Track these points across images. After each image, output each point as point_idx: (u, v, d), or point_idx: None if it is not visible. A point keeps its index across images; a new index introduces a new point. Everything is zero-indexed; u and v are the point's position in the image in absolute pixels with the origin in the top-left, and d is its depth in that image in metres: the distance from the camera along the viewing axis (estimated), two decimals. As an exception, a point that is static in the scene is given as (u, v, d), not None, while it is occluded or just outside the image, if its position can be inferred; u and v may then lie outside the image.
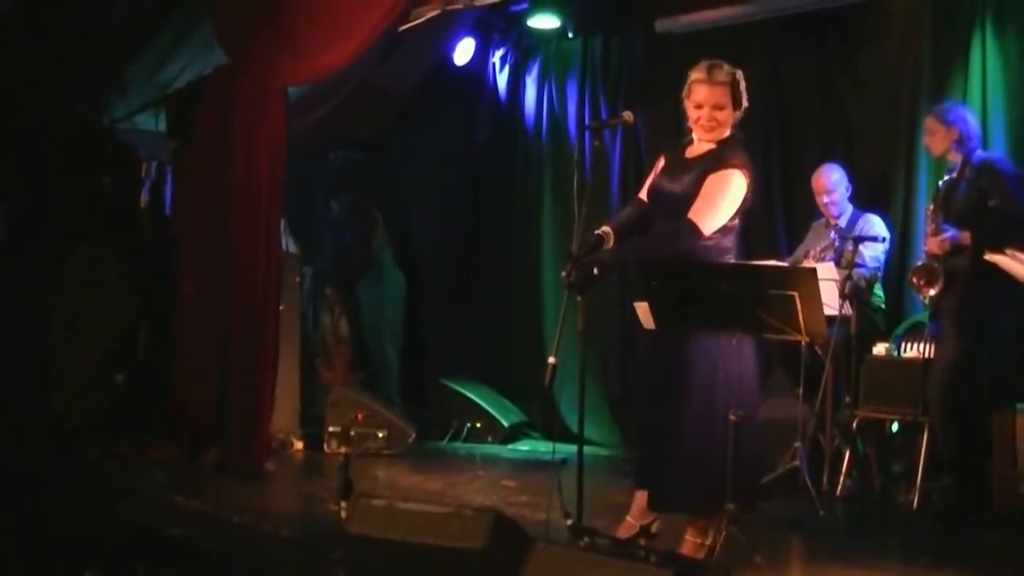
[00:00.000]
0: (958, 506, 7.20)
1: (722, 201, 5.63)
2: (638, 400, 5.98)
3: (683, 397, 5.62)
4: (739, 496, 5.48)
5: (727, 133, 5.80)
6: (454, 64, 10.44)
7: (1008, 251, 6.05)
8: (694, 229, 5.57)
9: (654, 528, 5.93)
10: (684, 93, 5.85)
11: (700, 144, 5.83)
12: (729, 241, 5.76)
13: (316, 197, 11.08)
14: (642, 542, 5.85)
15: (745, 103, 5.80)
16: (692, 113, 5.81)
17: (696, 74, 5.78)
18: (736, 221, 5.74)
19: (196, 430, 8.37)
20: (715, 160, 5.69)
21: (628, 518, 5.97)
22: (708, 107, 5.75)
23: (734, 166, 5.65)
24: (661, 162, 6.02)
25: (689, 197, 5.64)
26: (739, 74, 5.78)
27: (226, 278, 8.34)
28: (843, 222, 8.27)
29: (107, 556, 5.65)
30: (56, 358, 8.56)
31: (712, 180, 5.63)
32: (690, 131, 5.88)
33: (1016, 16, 8.19)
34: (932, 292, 7.31)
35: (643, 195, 6.04)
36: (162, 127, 9.17)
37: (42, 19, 8.33)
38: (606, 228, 5.79)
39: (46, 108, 8.52)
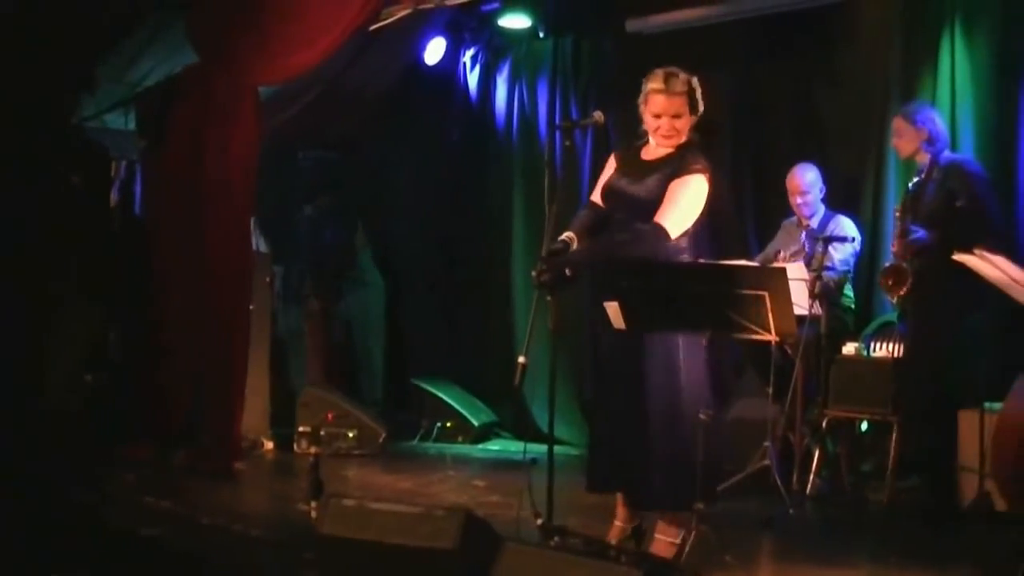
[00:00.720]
0: (927, 505, 7.24)
1: (688, 205, 5.66)
2: (599, 401, 5.96)
3: (649, 396, 5.64)
4: (705, 494, 5.51)
5: (686, 138, 5.82)
6: (425, 64, 10.43)
7: (976, 251, 6.07)
8: (663, 233, 5.59)
9: (644, 528, 5.94)
10: (640, 100, 5.85)
11: (658, 148, 5.86)
12: (684, 242, 5.78)
13: (288, 197, 11.06)
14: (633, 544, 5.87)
15: (702, 107, 5.83)
16: (650, 122, 5.82)
17: (653, 84, 5.78)
18: (696, 224, 5.77)
19: (168, 431, 8.35)
20: (680, 164, 5.71)
21: (616, 522, 5.97)
22: (667, 117, 5.77)
23: (698, 171, 5.68)
24: (613, 162, 6.04)
25: (654, 201, 5.66)
26: (695, 81, 5.80)
27: (197, 278, 8.32)
28: (815, 223, 8.30)
29: (78, 557, 5.63)
30: (26, 358, 8.51)
31: (678, 184, 5.66)
32: (646, 133, 5.90)
33: (985, 17, 8.23)
34: (901, 292, 7.35)
35: (596, 198, 6.05)
36: (132, 126, 9.13)
37: (11, 16, 8.29)
38: (569, 234, 5.79)
39: (14, 108, 8.47)
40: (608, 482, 5.93)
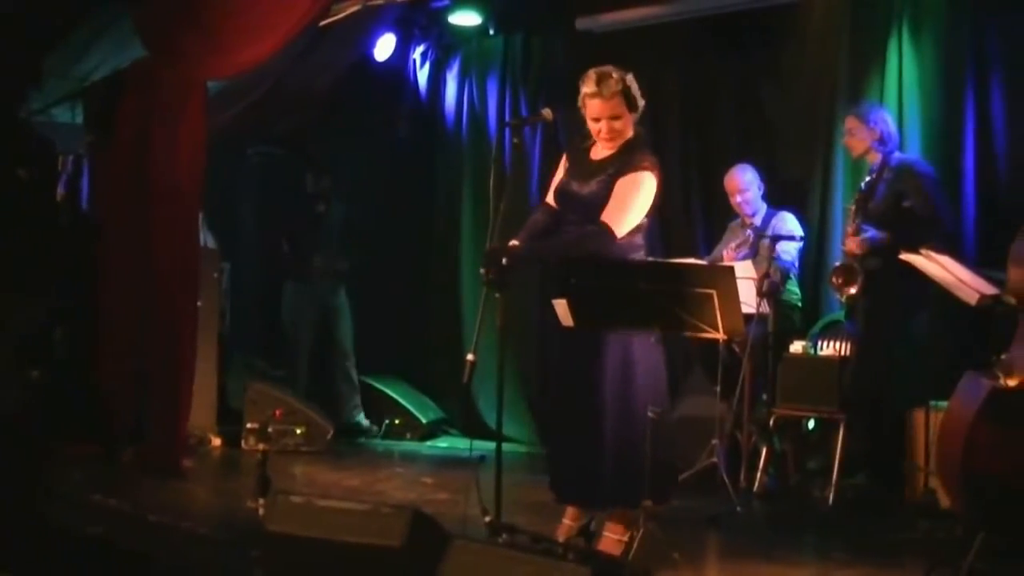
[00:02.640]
0: (872, 502, 7.29)
1: (634, 203, 5.67)
2: (553, 402, 5.97)
3: (599, 394, 5.65)
4: (655, 492, 5.52)
5: (630, 134, 5.83)
6: (375, 60, 10.41)
7: (923, 251, 6.12)
8: (608, 231, 5.60)
9: (592, 527, 5.94)
10: (579, 104, 5.86)
11: (604, 146, 5.87)
12: (640, 239, 5.81)
13: (236, 193, 11.03)
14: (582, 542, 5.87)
15: (641, 103, 5.83)
16: (591, 126, 5.84)
17: (586, 88, 5.78)
18: (646, 219, 5.78)
19: (114, 428, 8.29)
20: (624, 163, 5.73)
21: (565, 520, 5.97)
22: (606, 119, 5.78)
23: (644, 168, 5.69)
24: (564, 162, 6.06)
25: (600, 200, 5.67)
26: (629, 78, 5.79)
27: (144, 273, 8.27)
28: (758, 220, 8.34)
29: (23, 556, 5.59)
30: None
31: (624, 183, 5.67)
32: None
33: (932, 19, 8.29)
34: (851, 291, 7.40)
35: (550, 199, 6.06)
36: (80, 120, 9.08)
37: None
38: (514, 242, 5.78)
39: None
40: (574, 491, 5.93)
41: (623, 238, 5.68)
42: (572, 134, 6.15)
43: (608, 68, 5.78)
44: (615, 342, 5.67)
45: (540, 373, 6.02)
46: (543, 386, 6.09)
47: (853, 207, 7.46)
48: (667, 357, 5.98)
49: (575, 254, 5.69)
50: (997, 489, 5.14)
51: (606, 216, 5.63)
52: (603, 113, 5.76)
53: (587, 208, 5.72)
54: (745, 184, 8.34)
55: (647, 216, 5.78)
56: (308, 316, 10.26)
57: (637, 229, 5.76)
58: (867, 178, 7.52)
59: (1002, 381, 5.25)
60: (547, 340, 5.93)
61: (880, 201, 7.43)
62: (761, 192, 8.39)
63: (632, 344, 5.67)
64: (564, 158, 6.09)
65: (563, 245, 5.84)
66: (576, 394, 5.74)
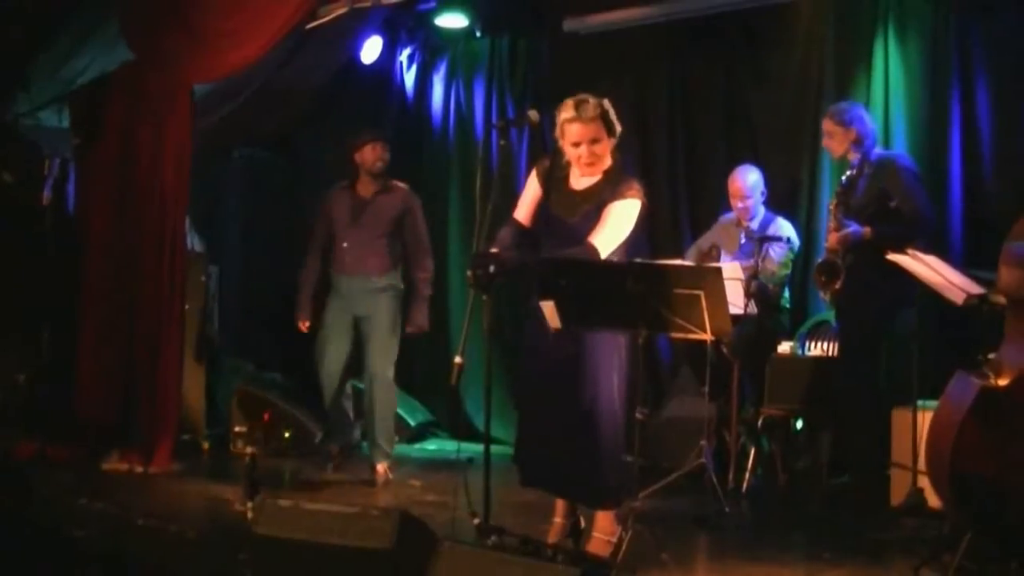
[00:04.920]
0: (860, 502, 7.31)
1: (622, 229, 5.74)
2: (540, 399, 5.96)
3: (596, 395, 5.67)
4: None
5: (610, 162, 5.85)
6: (361, 62, 10.39)
7: (910, 251, 6.13)
8: (595, 252, 5.64)
9: (583, 525, 5.96)
10: (557, 134, 5.89)
11: (585, 175, 5.89)
12: (619, 253, 5.84)
13: (223, 196, 11.01)
14: (570, 543, 5.88)
15: (619, 128, 5.86)
16: (570, 152, 5.86)
17: (564, 115, 5.82)
18: (645, 244, 5.86)
19: (100, 431, 8.28)
20: (612, 193, 5.77)
21: (556, 519, 5.99)
22: (585, 144, 5.80)
23: (632, 195, 5.75)
24: (535, 181, 6.05)
25: (588, 231, 5.72)
26: (606, 103, 5.84)
27: (131, 277, 8.26)
28: (755, 224, 8.31)
29: (9, 560, 5.58)
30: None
31: (613, 209, 5.73)
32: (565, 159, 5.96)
33: (917, 20, 8.32)
34: (834, 288, 7.41)
35: (521, 216, 6.06)
36: (66, 123, 9.05)
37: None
38: (495, 250, 5.78)
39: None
40: (545, 480, 5.94)
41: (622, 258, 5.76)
42: (543, 158, 6.15)
43: (585, 95, 5.83)
44: (606, 342, 5.69)
45: (526, 371, 5.98)
46: (532, 382, 6.04)
47: (834, 203, 7.46)
48: (650, 357, 5.99)
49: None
50: (986, 489, 5.16)
51: (594, 238, 5.66)
52: (583, 137, 5.78)
53: (573, 237, 5.76)
54: (749, 189, 8.24)
55: (639, 235, 5.86)
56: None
57: (635, 251, 5.85)
58: (848, 173, 7.52)
59: (992, 381, 5.26)
60: (535, 338, 5.89)
61: (862, 196, 7.45)
62: (764, 197, 8.36)
63: (623, 346, 5.69)
64: (535, 175, 6.08)
65: (551, 262, 5.86)
66: (567, 394, 5.75)
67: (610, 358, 5.71)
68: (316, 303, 8.40)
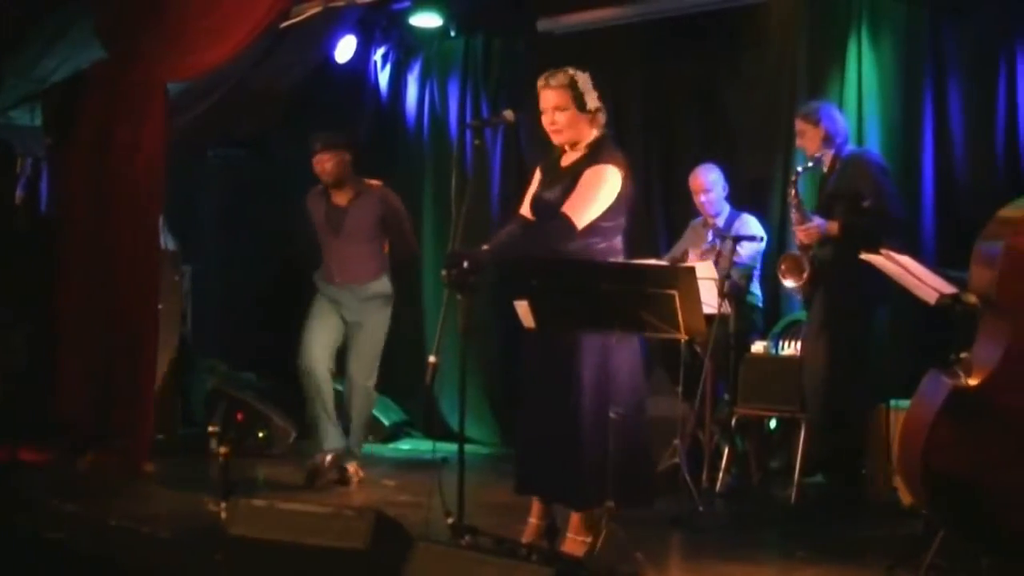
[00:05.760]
0: (834, 501, 7.33)
1: (595, 194, 5.68)
2: (529, 400, 5.96)
3: (570, 395, 5.66)
4: (630, 493, 5.57)
5: (592, 136, 5.86)
6: (335, 62, 10.38)
7: (883, 251, 6.15)
8: (568, 222, 5.61)
9: (557, 527, 5.95)
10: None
11: (572, 153, 5.89)
12: (619, 242, 5.83)
13: (197, 195, 10.99)
14: (545, 543, 5.88)
15: (592, 104, 5.83)
16: (543, 121, 5.89)
17: (539, 82, 5.87)
18: (622, 220, 5.80)
19: (74, 432, 8.25)
20: (588, 161, 5.76)
21: (532, 519, 5.98)
22: (550, 110, 5.82)
23: (606, 161, 5.72)
24: (538, 174, 6.08)
25: (564, 200, 5.70)
26: (579, 76, 5.82)
27: (105, 276, 8.23)
28: (720, 221, 8.36)
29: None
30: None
31: (586, 176, 5.70)
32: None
33: (890, 20, 8.36)
34: (800, 281, 7.44)
35: (524, 211, 6.07)
36: (39, 122, 9.02)
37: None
38: (485, 247, 5.79)
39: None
40: (537, 485, 5.93)
41: (605, 243, 5.73)
42: (534, 135, 6.17)
43: (567, 68, 5.85)
44: (594, 343, 5.68)
45: (522, 374, 5.97)
46: (519, 385, 6.03)
47: (793, 192, 7.46)
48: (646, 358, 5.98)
49: (537, 250, 5.71)
50: (957, 488, 5.18)
51: (566, 207, 5.65)
52: (548, 103, 5.81)
53: (550, 210, 5.74)
54: (709, 184, 8.36)
55: (623, 216, 5.81)
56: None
57: (615, 230, 5.79)
58: (809, 164, 7.55)
59: (963, 380, 5.29)
60: (526, 339, 5.88)
61: (832, 192, 7.48)
62: (725, 193, 8.41)
63: (612, 347, 5.67)
64: (538, 171, 6.11)
65: (525, 243, 5.86)
66: (555, 394, 5.74)
67: (593, 358, 5.70)
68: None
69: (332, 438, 8.14)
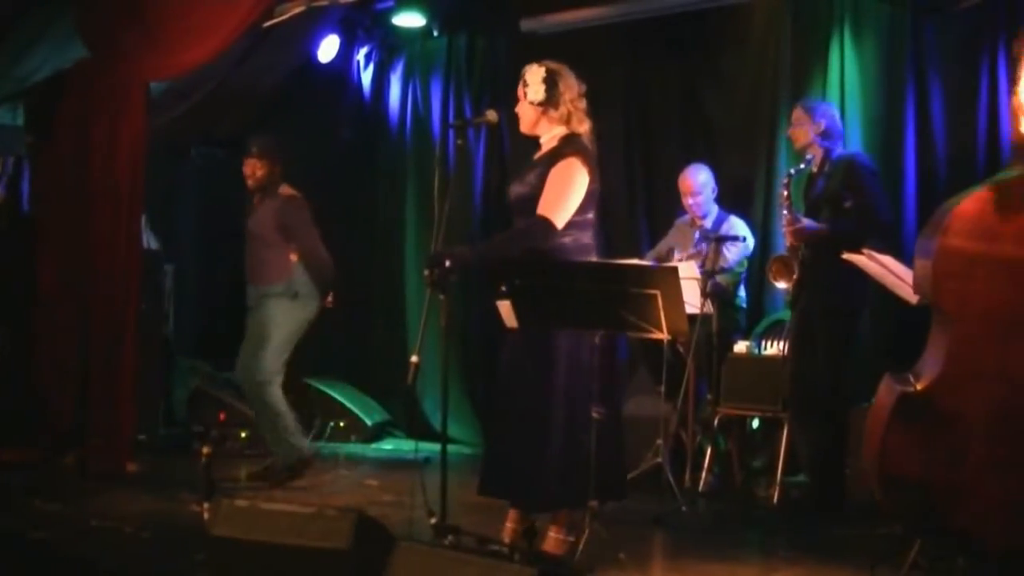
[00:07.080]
0: (816, 501, 7.33)
1: (567, 192, 5.67)
2: (499, 401, 5.95)
3: (546, 395, 5.65)
4: (606, 490, 5.55)
5: (554, 131, 5.85)
6: (318, 62, 10.37)
7: (865, 251, 6.16)
8: (548, 224, 5.61)
9: (537, 526, 5.93)
10: None
11: (543, 147, 5.90)
12: (588, 237, 5.79)
13: (179, 194, 10.97)
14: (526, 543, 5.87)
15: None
16: None
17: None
18: (591, 215, 5.78)
19: (55, 432, 8.23)
20: (553, 156, 5.75)
21: (508, 523, 5.94)
22: (519, 100, 5.88)
23: (569, 154, 5.70)
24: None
25: (537, 192, 5.69)
26: (541, 70, 5.81)
27: (86, 276, 8.21)
28: (708, 223, 8.35)
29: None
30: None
31: (554, 173, 5.68)
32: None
33: (872, 19, 8.39)
34: (789, 283, 7.44)
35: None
36: (20, 121, 9.00)
37: None
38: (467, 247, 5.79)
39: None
40: (500, 488, 5.91)
41: (571, 238, 5.70)
42: (517, 135, 6.16)
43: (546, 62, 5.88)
44: (564, 342, 5.67)
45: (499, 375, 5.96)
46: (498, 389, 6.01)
47: (785, 194, 7.45)
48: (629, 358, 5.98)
49: (517, 250, 5.70)
50: (910, 489, 5.23)
51: (542, 208, 5.63)
52: (518, 93, 5.88)
53: (525, 203, 5.72)
54: (699, 186, 8.34)
55: (592, 211, 5.79)
56: None
57: (583, 225, 5.76)
58: (801, 166, 7.54)
59: (911, 385, 5.32)
60: (500, 340, 5.88)
61: (820, 194, 7.48)
62: (715, 195, 8.41)
63: (583, 346, 5.67)
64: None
65: (504, 242, 5.87)
66: (525, 395, 5.73)
67: (557, 360, 5.68)
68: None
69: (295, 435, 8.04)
